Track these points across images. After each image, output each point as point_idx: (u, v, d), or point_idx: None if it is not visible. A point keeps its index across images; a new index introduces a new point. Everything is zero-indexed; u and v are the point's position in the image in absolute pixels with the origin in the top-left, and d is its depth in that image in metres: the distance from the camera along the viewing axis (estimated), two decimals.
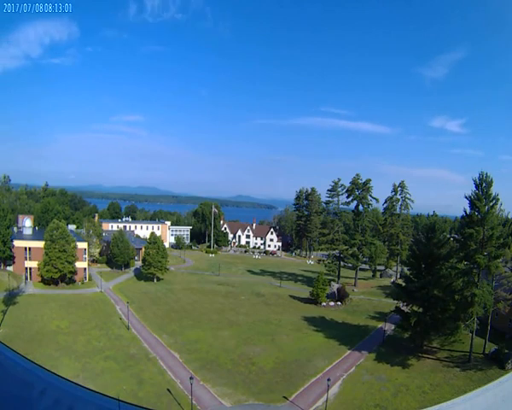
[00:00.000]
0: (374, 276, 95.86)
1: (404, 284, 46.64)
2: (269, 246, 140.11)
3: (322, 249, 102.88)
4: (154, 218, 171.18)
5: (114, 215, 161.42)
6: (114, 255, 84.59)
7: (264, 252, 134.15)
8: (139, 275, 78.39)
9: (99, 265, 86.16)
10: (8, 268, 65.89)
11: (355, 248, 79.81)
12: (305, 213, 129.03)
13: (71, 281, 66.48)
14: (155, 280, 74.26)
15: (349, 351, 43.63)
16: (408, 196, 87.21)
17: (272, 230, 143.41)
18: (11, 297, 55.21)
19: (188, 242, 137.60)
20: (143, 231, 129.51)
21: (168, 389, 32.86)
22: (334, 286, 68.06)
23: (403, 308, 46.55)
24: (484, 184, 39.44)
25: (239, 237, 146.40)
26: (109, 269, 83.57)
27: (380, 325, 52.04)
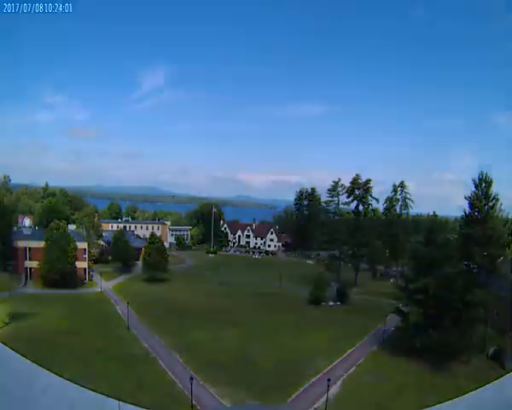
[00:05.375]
0: (374, 276, 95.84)
1: (404, 285, 46.59)
2: (269, 246, 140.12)
3: (322, 249, 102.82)
4: (154, 218, 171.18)
5: (114, 215, 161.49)
6: (114, 255, 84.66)
7: (265, 252, 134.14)
8: (139, 275, 78.42)
9: (99, 265, 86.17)
10: (8, 268, 65.84)
11: (355, 249, 79.81)
12: (306, 213, 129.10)
13: (71, 281, 66.41)
14: (155, 280, 74.25)
15: (349, 351, 43.59)
16: (408, 195, 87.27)
17: (272, 230, 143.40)
18: (11, 297, 55.22)
19: (188, 242, 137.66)
20: (143, 231, 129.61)
21: (168, 390, 32.90)
22: (334, 286, 68.03)
23: (403, 309, 46.50)
24: (483, 185, 39.46)
25: (239, 237, 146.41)
26: (109, 269, 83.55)
27: (379, 324, 51.91)
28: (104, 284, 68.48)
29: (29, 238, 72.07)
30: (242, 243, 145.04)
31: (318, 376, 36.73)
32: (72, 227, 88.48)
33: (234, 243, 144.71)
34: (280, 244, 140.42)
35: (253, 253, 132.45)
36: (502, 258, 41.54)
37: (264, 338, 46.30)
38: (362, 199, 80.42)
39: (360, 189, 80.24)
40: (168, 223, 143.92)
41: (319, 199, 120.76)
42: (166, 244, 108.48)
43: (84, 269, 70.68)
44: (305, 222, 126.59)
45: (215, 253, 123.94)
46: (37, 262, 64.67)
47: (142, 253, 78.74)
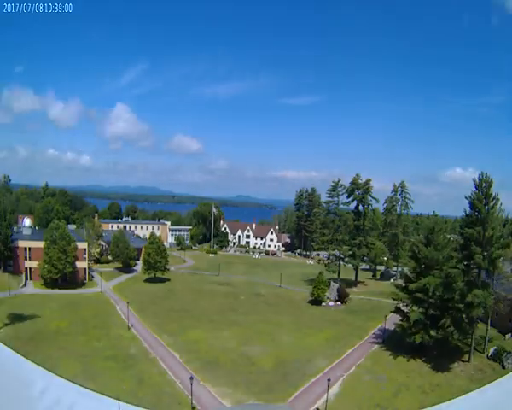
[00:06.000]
0: (374, 276, 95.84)
1: (404, 285, 46.58)
2: (269, 246, 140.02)
3: (322, 249, 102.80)
4: (154, 218, 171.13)
5: (114, 215, 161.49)
6: (114, 255, 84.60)
7: (265, 252, 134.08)
8: (139, 275, 78.38)
9: (99, 265, 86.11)
10: (8, 268, 65.80)
11: (355, 249, 79.75)
12: (306, 213, 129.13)
13: (71, 281, 66.39)
14: (155, 280, 74.20)
15: (349, 351, 43.63)
16: (408, 195, 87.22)
17: (272, 230, 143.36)
18: (11, 297, 55.22)
19: (188, 242, 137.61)
20: (143, 231, 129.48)
21: (168, 390, 32.90)
22: (334, 286, 68.00)
23: (403, 308, 46.48)
24: (484, 185, 39.41)
25: (239, 237, 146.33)
26: (109, 269, 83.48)
27: (380, 324, 51.94)
28: (104, 284, 68.46)
29: (29, 238, 72.05)
30: (242, 243, 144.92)
31: (318, 376, 36.79)
32: (72, 227, 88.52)
33: (234, 243, 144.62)
34: (280, 244, 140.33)
35: (253, 253, 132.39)
36: (502, 258, 41.42)
37: (264, 338, 46.34)
38: (362, 199, 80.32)
39: (360, 189, 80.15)
40: (168, 223, 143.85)
41: (319, 199, 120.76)
42: (166, 244, 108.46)
43: (84, 269, 70.58)
44: (305, 222, 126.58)
45: (215, 253, 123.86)
46: (37, 262, 64.58)
47: (142, 253, 78.65)
